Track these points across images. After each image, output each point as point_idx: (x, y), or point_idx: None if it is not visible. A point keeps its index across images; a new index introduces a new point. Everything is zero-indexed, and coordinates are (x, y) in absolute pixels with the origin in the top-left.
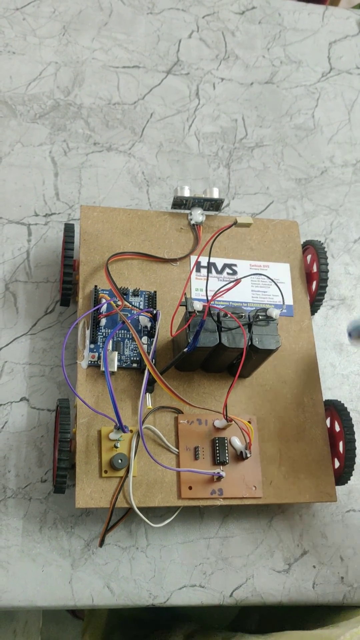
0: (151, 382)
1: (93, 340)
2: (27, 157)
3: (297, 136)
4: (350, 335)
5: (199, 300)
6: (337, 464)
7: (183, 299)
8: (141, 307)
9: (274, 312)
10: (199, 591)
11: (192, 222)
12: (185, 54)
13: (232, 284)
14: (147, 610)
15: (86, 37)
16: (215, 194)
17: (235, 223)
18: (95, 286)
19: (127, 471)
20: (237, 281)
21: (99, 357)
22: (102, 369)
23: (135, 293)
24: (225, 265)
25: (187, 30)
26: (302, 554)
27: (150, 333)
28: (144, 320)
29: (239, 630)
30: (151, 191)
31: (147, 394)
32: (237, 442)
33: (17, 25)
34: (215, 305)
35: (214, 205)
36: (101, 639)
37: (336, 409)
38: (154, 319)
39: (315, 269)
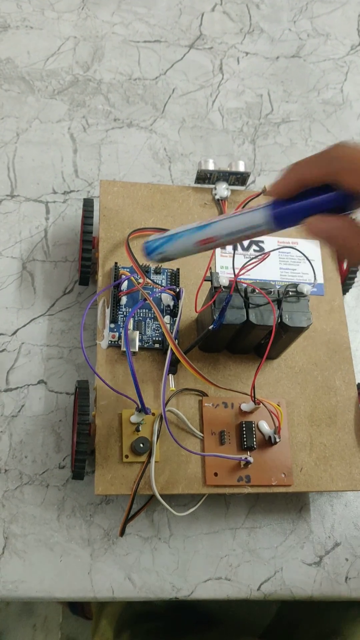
0: (174, 363)
1: (113, 320)
2: (45, 133)
3: (325, 111)
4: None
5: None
6: None
7: (208, 274)
8: (163, 285)
9: (305, 288)
10: (225, 584)
11: (217, 197)
12: (208, 27)
13: (260, 257)
14: (165, 605)
15: (106, 11)
16: (241, 168)
17: (264, 191)
18: (116, 263)
19: (149, 456)
20: (266, 254)
21: (119, 337)
22: (123, 349)
23: (157, 271)
24: (251, 242)
25: (210, 3)
26: (334, 546)
27: (173, 312)
28: (167, 299)
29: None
30: (173, 167)
31: (169, 375)
32: (266, 427)
33: None
34: (242, 281)
35: (240, 179)
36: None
37: None
38: (177, 297)
39: None
